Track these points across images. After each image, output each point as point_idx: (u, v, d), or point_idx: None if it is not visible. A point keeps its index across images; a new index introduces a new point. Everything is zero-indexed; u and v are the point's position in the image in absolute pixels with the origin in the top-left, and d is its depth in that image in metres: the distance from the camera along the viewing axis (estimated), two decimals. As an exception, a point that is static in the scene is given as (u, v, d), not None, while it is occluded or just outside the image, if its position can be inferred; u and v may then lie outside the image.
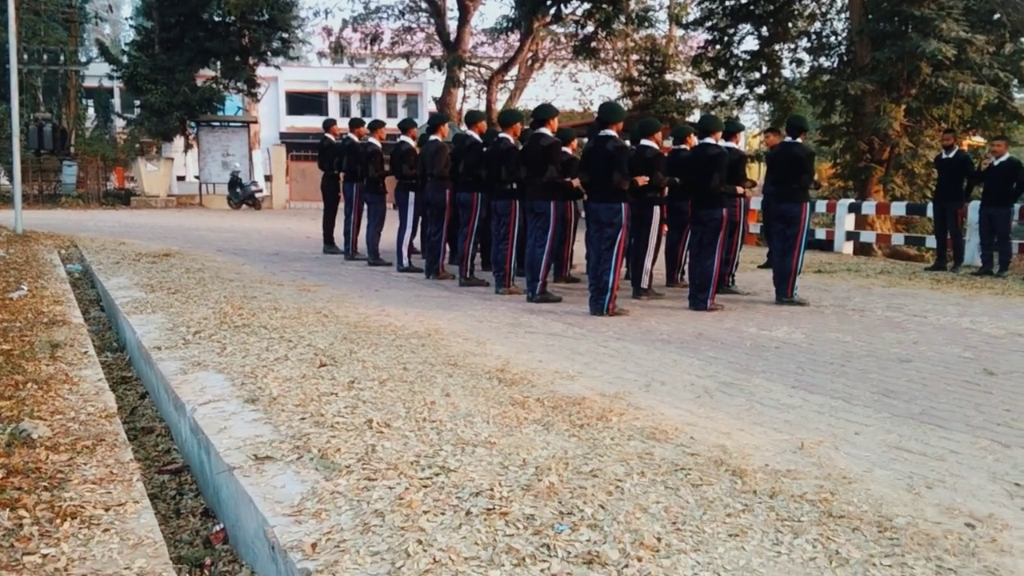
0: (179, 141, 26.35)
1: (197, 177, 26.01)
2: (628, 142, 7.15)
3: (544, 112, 7.30)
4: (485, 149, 7.97)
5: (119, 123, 28.62)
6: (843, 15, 18.79)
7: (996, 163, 10.17)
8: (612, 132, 6.74)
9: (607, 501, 2.66)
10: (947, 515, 2.66)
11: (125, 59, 26.18)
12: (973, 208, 10.96)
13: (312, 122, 40.73)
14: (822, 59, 19.28)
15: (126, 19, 34.18)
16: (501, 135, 7.69)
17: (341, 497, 2.66)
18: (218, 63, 25.78)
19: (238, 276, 8.28)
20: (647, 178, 6.93)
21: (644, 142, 7.26)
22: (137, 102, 25.85)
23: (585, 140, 8.65)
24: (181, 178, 28.27)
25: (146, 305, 6.35)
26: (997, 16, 15.94)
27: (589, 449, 3.18)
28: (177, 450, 4.06)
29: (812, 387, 4.40)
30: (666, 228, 8.16)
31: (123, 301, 6.60)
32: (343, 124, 11.33)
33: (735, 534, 2.46)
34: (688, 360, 5.03)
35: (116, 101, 32.17)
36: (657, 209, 7.55)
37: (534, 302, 7.22)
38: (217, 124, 25.87)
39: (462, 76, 27.02)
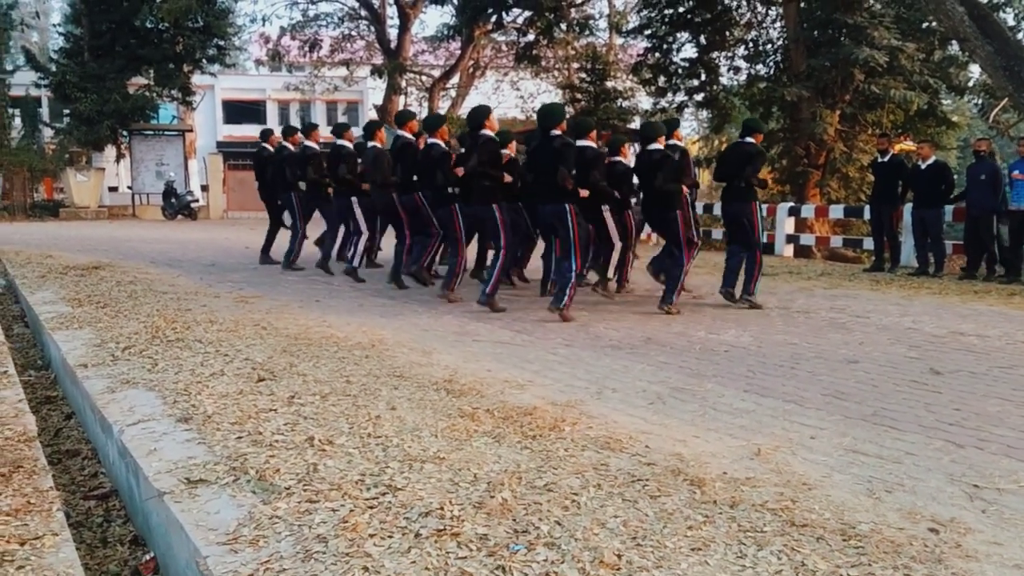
0: (110, 150, 25.55)
1: (130, 187, 25.26)
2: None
3: (478, 116, 7.19)
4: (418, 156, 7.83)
5: (47, 132, 27.61)
6: (778, 24, 19.16)
7: (923, 166, 10.41)
8: (558, 132, 6.69)
9: (563, 517, 2.54)
10: (910, 520, 2.60)
11: (53, 67, 25.29)
12: (908, 210, 11.19)
13: (250, 131, 39.94)
14: (759, 66, 19.66)
15: (54, 26, 33.12)
16: (431, 141, 7.55)
17: (281, 522, 2.49)
18: (151, 71, 25.04)
19: (172, 288, 7.97)
20: (587, 192, 6.85)
21: (581, 143, 7.14)
22: (66, 111, 24.97)
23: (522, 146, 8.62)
24: (113, 188, 27.41)
25: (72, 320, 6.04)
26: (926, 24, 16.42)
27: (542, 462, 3.05)
28: (105, 474, 3.81)
29: (764, 391, 4.36)
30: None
31: (48, 316, 6.27)
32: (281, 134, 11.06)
33: (697, 548, 2.36)
34: (639, 366, 4.95)
35: (44, 110, 31.11)
36: (605, 209, 7.50)
37: (479, 304, 7.08)
38: (150, 133, 25.18)
39: (403, 83, 26.85)
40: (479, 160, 6.96)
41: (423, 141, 8.24)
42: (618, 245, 7.66)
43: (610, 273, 7.71)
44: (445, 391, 4.12)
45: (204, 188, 25.55)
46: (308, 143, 9.71)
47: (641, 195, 7.55)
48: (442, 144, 7.52)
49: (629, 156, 8.12)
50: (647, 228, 9.27)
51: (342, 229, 9.69)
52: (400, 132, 8.11)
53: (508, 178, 7.28)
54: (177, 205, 23.34)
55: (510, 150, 8.01)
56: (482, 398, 4.00)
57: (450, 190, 7.48)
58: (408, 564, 2.21)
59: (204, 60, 26.10)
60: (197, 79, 27.19)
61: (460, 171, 7.31)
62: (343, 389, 4.10)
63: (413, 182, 7.89)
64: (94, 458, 4.02)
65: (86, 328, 5.74)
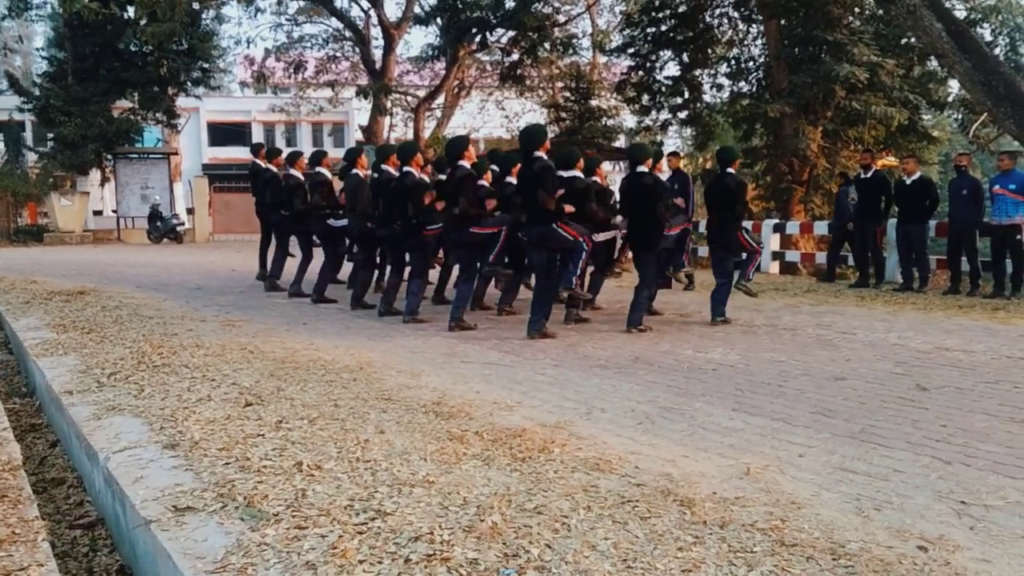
0: (95, 174, 25.43)
1: (115, 211, 25.15)
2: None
3: (456, 148, 7.26)
4: (391, 184, 7.81)
5: (31, 157, 27.49)
6: (760, 41, 19.36)
7: (908, 182, 10.50)
8: (540, 153, 6.71)
9: (553, 540, 2.53)
10: (899, 538, 2.61)
11: (37, 91, 25.22)
12: (891, 226, 11.28)
13: (236, 153, 39.94)
14: (741, 84, 19.84)
15: (37, 50, 33.11)
16: (405, 169, 7.55)
17: (269, 549, 2.47)
18: (135, 94, 25.00)
19: (158, 313, 7.93)
20: (572, 207, 6.87)
21: (568, 173, 7.13)
22: (50, 135, 24.87)
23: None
24: (98, 212, 27.29)
25: (57, 346, 6.00)
26: (905, 40, 16.63)
27: (532, 484, 3.05)
28: (91, 502, 3.77)
29: (752, 409, 4.37)
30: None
31: (32, 343, 6.22)
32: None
33: (688, 569, 2.35)
34: (627, 385, 4.95)
35: (28, 134, 31.00)
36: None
37: (450, 330, 7.06)
38: (135, 156, 25.10)
39: (389, 104, 26.89)
40: (468, 202, 7.04)
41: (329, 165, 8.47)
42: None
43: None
44: (434, 413, 4.11)
45: (190, 211, 25.47)
46: (292, 171, 9.68)
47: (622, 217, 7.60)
48: (416, 173, 7.54)
49: (604, 177, 8.22)
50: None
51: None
52: (384, 167, 8.08)
53: (492, 203, 7.34)
54: (163, 228, 23.26)
55: (486, 180, 7.98)
56: (471, 420, 4.00)
57: (419, 219, 7.48)
58: (398, 591, 2.20)
59: (189, 83, 26.08)
60: (182, 102, 27.15)
61: (440, 205, 7.37)
62: (331, 413, 4.08)
63: (392, 216, 7.82)
64: (80, 486, 3.98)
65: (71, 354, 5.70)
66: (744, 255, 7.71)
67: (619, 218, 7.83)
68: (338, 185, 9.37)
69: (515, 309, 8.18)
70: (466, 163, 7.18)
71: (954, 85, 17.53)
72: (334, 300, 9.00)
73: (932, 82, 17.85)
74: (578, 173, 7.20)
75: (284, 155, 10.40)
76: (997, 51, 18.35)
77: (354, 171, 8.68)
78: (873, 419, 4.15)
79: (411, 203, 7.38)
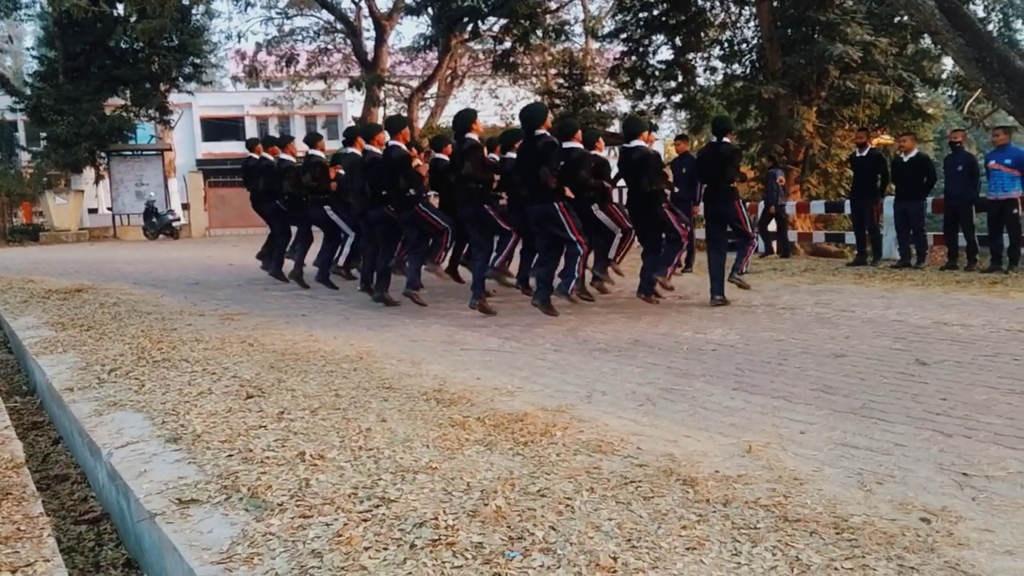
0: (89, 172, 25.40)
1: (110, 209, 25.12)
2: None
3: (464, 120, 7.28)
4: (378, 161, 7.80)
5: (24, 156, 27.43)
6: (752, 23, 19.29)
7: (906, 159, 10.49)
8: (542, 131, 6.73)
9: (558, 522, 2.54)
10: (901, 511, 2.62)
11: (28, 90, 25.15)
12: (888, 203, 11.28)
13: (230, 147, 39.84)
14: (735, 66, 19.79)
15: (28, 49, 32.93)
16: (392, 143, 7.55)
17: (275, 538, 2.47)
18: (127, 91, 24.93)
19: (156, 308, 7.92)
20: (571, 193, 6.89)
21: (567, 144, 7.19)
22: (43, 134, 24.82)
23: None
24: (93, 210, 27.26)
25: (57, 344, 5.99)
26: (898, 19, 16.59)
27: (535, 467, 3.05)
28: (95, 497, 3.78)
29: (753, 388, 4.38)
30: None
31: (31, 341, 6.21)
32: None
33: (692, 547, 2.36)
34: (627, 368, 4.96)
35: (20, 134, 30.92)
36: (596, 208, 7.57)
37: (471, 308, 7.13)
38: (129, 153, 25.05)
39: (382, 95, 26.81)
40: (473, 167, 7.04)
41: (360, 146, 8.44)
42: (617, 233, 7.74)
43: (611, 254, 7.81)
44: (435, 401, 4.11)
45: (185, 207, 25.44)
46: (284, 156, 9.68)
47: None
48: (403, 146, 7.52)
49: (604, 150, 8.27)
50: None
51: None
52: (368, 147, 8.08)
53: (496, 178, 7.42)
54: (158, 224, 23.23)
55: (496, 152, 8.05)
56: (472, 406, 4.00)
57: (411, 192, 7.46)
58: (404, 575, 2.21)
59: (180, 78, 26.02)
60: (174, 98, 27.08)
61: (424, 168, 7.40)
62: (332, 403, 4.08)
63: (382, 196, 7.82)
64: (84, 482, 3.98)
65: (71, 352, 5.69)
66: (739, 238, 7.68)
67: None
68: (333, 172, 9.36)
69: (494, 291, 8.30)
70: (474, 135, 7.21)
71: (948, 62, 17.51)
72: (336, 287, 8.98)
73: (926, 60, 17.83)
74: (577, 144, 7.21)
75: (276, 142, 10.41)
76: (990, 27, 18.31)
77: (352, 150, 8.68)
78: (873, 395, 4.16)
79: (402, 176, 7.37)
